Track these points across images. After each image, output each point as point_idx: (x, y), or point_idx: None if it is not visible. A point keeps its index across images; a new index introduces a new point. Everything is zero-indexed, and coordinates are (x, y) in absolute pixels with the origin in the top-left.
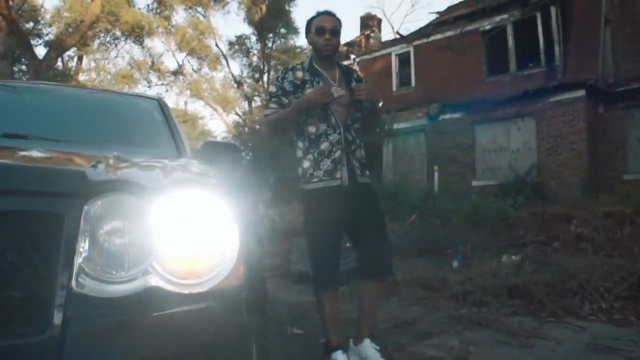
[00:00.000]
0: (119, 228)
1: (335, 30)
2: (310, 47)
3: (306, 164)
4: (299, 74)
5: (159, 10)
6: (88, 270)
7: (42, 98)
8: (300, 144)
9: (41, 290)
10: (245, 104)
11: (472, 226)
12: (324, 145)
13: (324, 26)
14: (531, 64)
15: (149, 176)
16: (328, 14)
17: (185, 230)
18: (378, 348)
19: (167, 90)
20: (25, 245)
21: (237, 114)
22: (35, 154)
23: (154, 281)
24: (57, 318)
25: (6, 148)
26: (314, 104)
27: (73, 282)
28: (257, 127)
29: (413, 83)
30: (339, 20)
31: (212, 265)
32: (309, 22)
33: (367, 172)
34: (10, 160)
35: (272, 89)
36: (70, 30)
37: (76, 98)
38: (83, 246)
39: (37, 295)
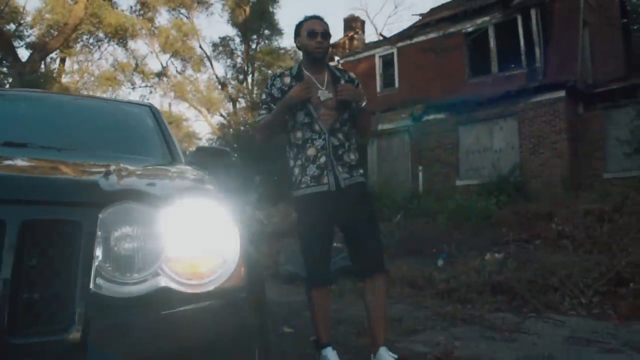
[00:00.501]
0: (131, 234)
1: (326, 33)
2: (296, 51)
3: (296, 171)
4: (287, 79)
5: (142, 12)
6: (104, 273)
7: (38, 106)
8: (290, 153)
9: (63, 292)
10: (230, 106)
11: (456, 225)
12: (310, 151)
13: (315, 29)
14: (513, 65)
15: (156, 185)
16: (317, 18)
17: (190, 234)
18: (396, 357)
19: (151, 92)
20: (47, 250)
21: (221, 115)
22: (46, 164)
23: (164, 282)
24: (79, 317)
25: (16, 158)
26: (295, 101)
27: (92, 284)
28: (242, 128)
29: (397, 84)
30: (327, 24)
31: (216, 267)
32: (299, 26)
33: (360, 171)
34: (26, 172)
35: (262, 96)
36: (52, 32)
37: (70, 105)
38: (99, 251)
39: (60, 297)
